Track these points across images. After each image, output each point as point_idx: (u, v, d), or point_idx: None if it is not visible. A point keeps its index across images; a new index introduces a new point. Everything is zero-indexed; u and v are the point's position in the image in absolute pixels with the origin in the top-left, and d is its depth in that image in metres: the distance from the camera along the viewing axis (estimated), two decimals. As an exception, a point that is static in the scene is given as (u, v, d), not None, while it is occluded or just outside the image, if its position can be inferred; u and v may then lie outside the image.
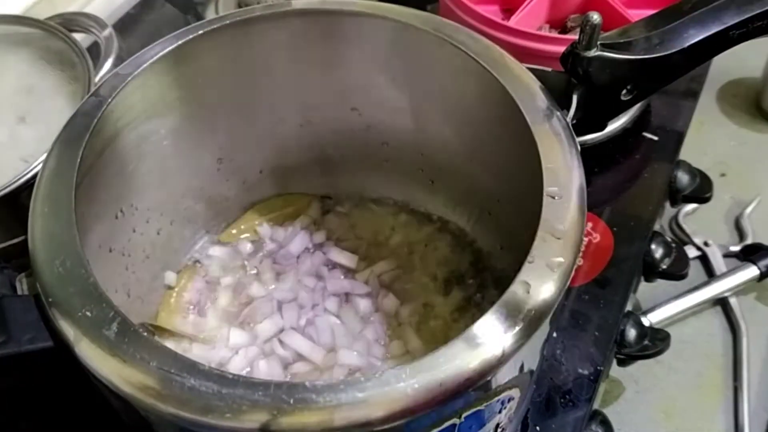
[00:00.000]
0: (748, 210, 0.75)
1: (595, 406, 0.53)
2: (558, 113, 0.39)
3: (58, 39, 0.58)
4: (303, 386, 0.29)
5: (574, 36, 0.40)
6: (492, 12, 0.68)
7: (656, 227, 0.63)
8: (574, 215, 0.34)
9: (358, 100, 0.52)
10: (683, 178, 0.66)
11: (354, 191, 0.59)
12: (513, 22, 0.63)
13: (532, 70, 0.41)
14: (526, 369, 0.36)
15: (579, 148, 0.38)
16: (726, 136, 0.82)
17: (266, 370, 0.48)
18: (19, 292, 0.35)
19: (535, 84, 0.40)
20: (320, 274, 0.54)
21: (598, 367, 0.52)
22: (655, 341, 0.56)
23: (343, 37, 0.47)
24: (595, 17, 0.37)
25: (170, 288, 0.53)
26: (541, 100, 0.39)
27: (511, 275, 0.32)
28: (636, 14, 0.64)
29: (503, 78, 0.40)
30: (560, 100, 0.40)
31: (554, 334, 0.54)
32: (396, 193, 0.58)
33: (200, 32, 0.45)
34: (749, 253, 0.70)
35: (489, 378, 0.30)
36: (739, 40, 0.40)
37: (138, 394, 0.29)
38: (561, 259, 0.32)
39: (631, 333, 0.56)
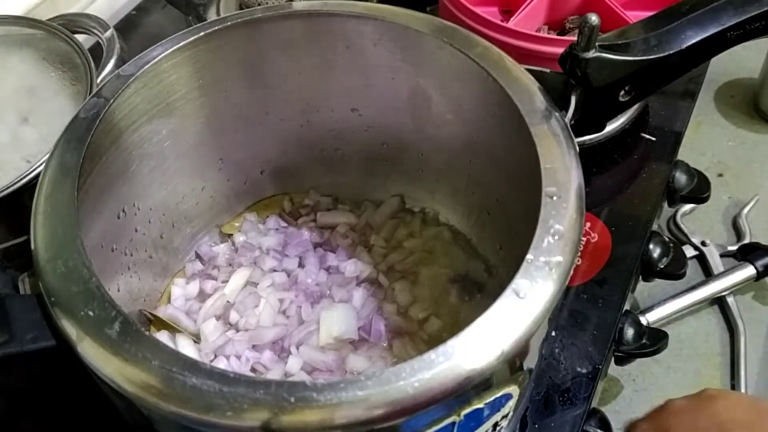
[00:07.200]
0: (746, 210, 0.75)
1: (594, 404, 0.53)
2: (556, 114, 0.39)
3: (60, 40, 0.58)
4: (304, 385, 0.29)
5: (572, 37, 0.40)
6: (491, 13, 0.68)
7: (654, 227, 0.63)
8: (573, 215, 0.35)
9: (359, 101, 0.53)
10: (681, 178, 0.66)
11: (354, 191, 0.59)
12: (512, 24, 0.63)
13: (530, 71, 0.42)
14: (525, 368, 0.36)
15: (577, 148, 0.38)
16: (723, 136, 0.82)
17: (270, 366, 0.48)
18: (22, 292, 0.35)
19: (533, 85, 0.41)
20: (321, 273, 0.54)
21: (597, 366, 0.52)
22: (653, 340, 0.56)
23: (343, 38, 0.48)
24: (594, 18, 0.37)
25: (170, 285, 0.53)
26: (540, 101, 0.39)
27: (510, 274, 0.32)
28: (634, 15, 0.64)
29: (502, 79, 0.41)
30: (559, 101, 0.40)
31: (553, 333, 0.54)
32: (396, 193, 0.59)
33: (201, 34, 0.45)
34: (746, 253, 0.70)
35: (488, 376, 0.30)
36: (737, 41, 0.41)
37: (140, 393, 0.29)
38: (559, 259, 0.33)
39: (629, 332, 0.56)
